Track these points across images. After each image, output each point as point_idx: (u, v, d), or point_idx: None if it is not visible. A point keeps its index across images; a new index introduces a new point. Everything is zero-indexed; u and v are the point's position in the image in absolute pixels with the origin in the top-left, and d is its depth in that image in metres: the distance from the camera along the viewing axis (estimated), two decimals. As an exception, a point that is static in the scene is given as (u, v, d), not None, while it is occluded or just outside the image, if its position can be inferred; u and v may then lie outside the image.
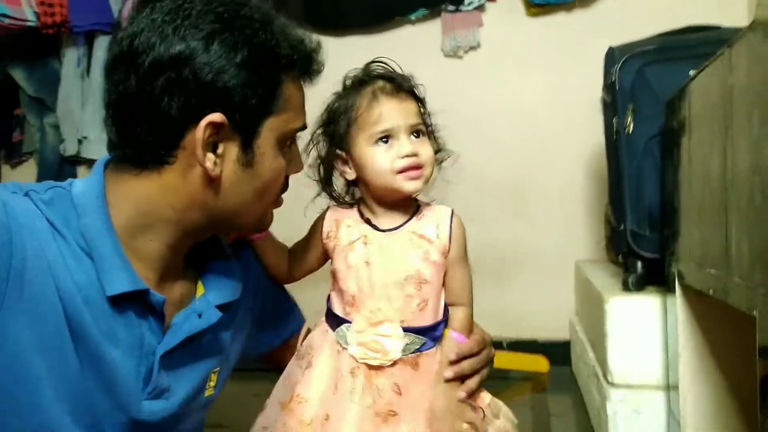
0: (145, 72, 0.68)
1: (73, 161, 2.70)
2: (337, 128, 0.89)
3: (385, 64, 0.92)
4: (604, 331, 1.38)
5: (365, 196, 0.90)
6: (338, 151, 0.89)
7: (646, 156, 1.36)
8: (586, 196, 2.30)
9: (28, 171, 2.84)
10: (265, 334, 0.99)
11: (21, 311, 0.64)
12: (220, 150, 0.70)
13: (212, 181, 0.72)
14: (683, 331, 1.17)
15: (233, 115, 0.70)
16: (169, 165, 0.71)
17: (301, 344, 0.93)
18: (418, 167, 0.85)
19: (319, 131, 0.92)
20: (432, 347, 0.86)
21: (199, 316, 0.78)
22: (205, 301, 0.80)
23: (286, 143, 0.77)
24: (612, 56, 1.47)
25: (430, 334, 0.86)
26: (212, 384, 0.85)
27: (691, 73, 1.07)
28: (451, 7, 2.36)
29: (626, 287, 1.38)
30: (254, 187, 0.75)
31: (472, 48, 2.39)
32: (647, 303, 1.34)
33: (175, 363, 0.76)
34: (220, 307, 0.80)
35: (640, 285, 1.38)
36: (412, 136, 0.85)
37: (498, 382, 2.08)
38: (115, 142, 0.73)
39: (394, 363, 0.84)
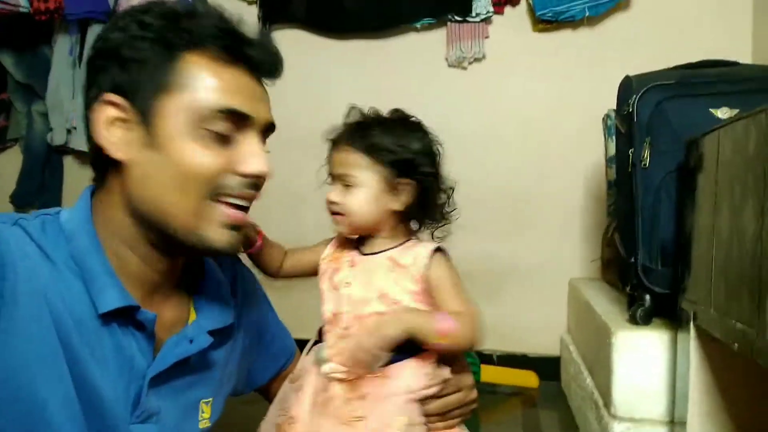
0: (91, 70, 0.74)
1: (60, 151, 2.63)
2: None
3: (385, 115, 0.94)
4: (609, 363, 1.38)
5: None
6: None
7: (661, 191, 1.36)
8: (583, 213, 2.31)
9: (12, 158, 2.76)
10: (259, 364, 1.00)
11: (16, 333, 0.65)
12: (124, 133, 0.71)
13: (126, 168, 0.71)
14: (695, 372, 1.18)
15: (129, 95, 0.71)
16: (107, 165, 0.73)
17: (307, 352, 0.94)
18: (338, 213, 0.89)
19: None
20: (403, 359, 0.84)
21: (191, 341, 0.78)
22: (198, 327, 0.80)
23: (208, 128, 0.71)
24: (629, 86, 1.46)
25: (405, 348, 0.83)
26: (206, 416, 0.84)
27: (721, 116, 1.06)
28: (457, 18, 2.34)
29: (634, 320, 1.38)
30: (170, 175, 0.71)
31: (477, 59, 2.38)
32: (655, 338, 1.35)
33: (164, 387, 0.77)
34: (212, 333, 0.81)
35: (648, 319, 1.38)
36: (340, 185, 0.90)
37: (487, 396, 2.09)
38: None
39: (363, 377, 0.83)
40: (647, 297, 1.38)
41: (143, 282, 0.76)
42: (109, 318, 0.71)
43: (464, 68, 2.40)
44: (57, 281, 0.69)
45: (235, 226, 0.75)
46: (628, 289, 1.45)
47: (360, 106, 0.97)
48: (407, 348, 0.83)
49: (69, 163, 2.69)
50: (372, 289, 0.87)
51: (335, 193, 0.89)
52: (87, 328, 0.70)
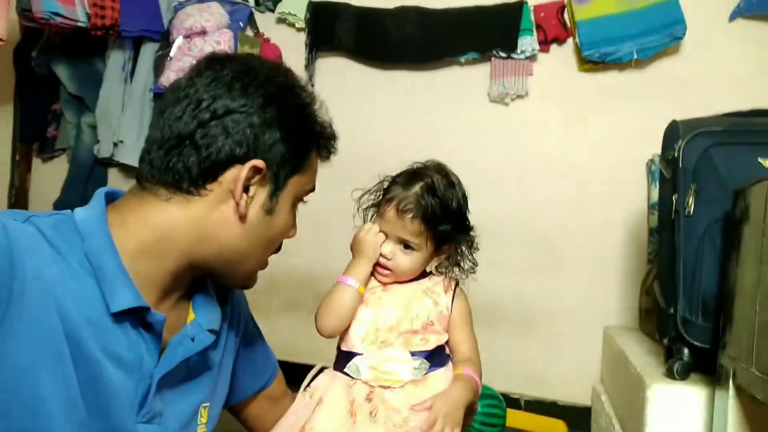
0: (206, 114, 0.77)
1: (105, 163, 2.69)
2: (375, 197, 1.05)
3: (433, 182, 1.00)
4: (643, 417, 1.32)
5: None
6: (372, 213, 1.05)
7: (705, 240, 1.30)
8: (622, 260, 2.24)
9: (59, 167, 2.84)
10: (245, 377, 1.01)
11: (22, 332, 0.65)
12: (251, 192, 0.79)
13: (237, 219, 0.79)
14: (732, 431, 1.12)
15: (271, 165, 0.79)
16: (201, 197, 0.77)
17: (308, 384, 1.00)
18: (387, 268, 1.00)
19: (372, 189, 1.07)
20: (439, 368, 0.98)
21: (192, 339, 0.81)
22: (197, 325, 0.83)
23: (297, 203, 0.86)
24: (675, 131, 1.42)
25: (436, 358, 0.98)
26: (203, 420, 0.87)
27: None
28: (502, 54, 2.33)
29: (671, 374, 1.32)
30: (266, 235, 0.82)
31: (520, 96, 2.36)
32: (692, 394, 1.28)
33: (168, 388, 0.79)
34: (210, 332, 0.85)
35: (685, 373, 1.32)
36: (400, 245, 0.99)
37: (512, 442, 2.02)
38: (158, 165, 0.78)
39: (405, 385, 0.94)
40: (685, 350, 1.32)
41: (160, 288, 0.79)
42: (121, 317, 0.73)
43: (506, 104, 2.38)
44: (69, 279, 0.70)
45: None
46: (665, 341, 1.39)
47: (413, 161, 1.05)
48: (437, 360, 0.98)
49: (113, 175, 2.75)
50: (409, 311, 0.98)
51: (391, 251, 0.99)
52: (99, 326, 0.71)
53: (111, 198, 0.81)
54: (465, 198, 1.03)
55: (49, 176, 2.85)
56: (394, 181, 1.03)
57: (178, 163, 0.76)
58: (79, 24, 2.38)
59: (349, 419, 0.92)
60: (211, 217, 0.78)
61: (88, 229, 0.74)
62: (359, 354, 0.97)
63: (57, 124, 2.81)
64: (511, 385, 2.23)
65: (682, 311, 1.31)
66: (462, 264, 1.04)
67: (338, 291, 0.98)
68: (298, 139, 0.82)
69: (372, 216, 1.06)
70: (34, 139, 2.86)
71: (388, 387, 0.94)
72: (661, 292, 1.43)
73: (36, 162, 2.91)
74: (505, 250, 2.31)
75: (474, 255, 1.05)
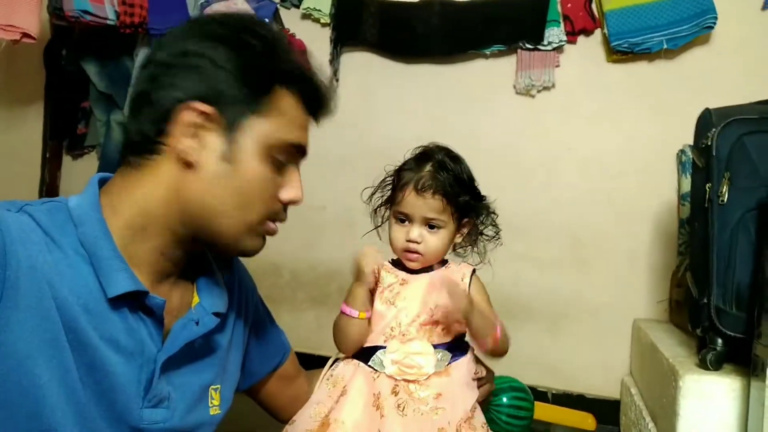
0: (155, 67, 0.76)
1: (133, 159, 2.73)
2: (388, 187, 1.07)
3: (441, 159, 1.03)
4: (676, 408, 1.30)
5: None
6: (387, 205, 1.08)
7: (739, 229, 1.28)
8: (651, 251, 2.21)
9: (88, 164, 2.88)
10: (257, 358, 1.01)
11: (17, 321, 0.65)
12: (202, 139, 0.75)
13: (194, 171, 0.75)
14: (770, 424, 1.10)
15: (220, 107, 0.75)
16: (163, 155, 0.75)
17: (327, 372, 1.03)
18: (416, 252, 1.01)
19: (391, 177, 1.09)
20: (461, 357, 1.00)
21: (197, 323, 0.81)
22: (201, 309, 0.83)
23: (275, 156, 0.79)
24: (708, 119, 1.40)
25: (457, 348, 1.01)
26: (215, 402, 0.86)
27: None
28: (528, 46, 2.31)
29: (704, 364, 1.30)
30: (234, 186, 0.76)
31: (546, 88, 2.34)
32: (726, 385, 1.26)
33: (174, 371, 0.79)
34: (215, 315, 0.84)
35: (719, 364, 1.30)
36: (426, 227, 1.00)
37: (541, 436, 2.02)
38: (130, 132, 0.77)
39: (429, 377, 0.96)
40: (719, 340, 1.30)
41: (154, 269, 0.78)
42: (119, 302, 0.73)
43: (532, 96, 2.36)
44: (64, 267, 0.70)
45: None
46: (698, 331, 1.37)
47: (424, 141, 1.08)
48: (458, 350, 1.01)
49: (140, 171, 2.79)
50: (429, 302, 0.99)
51: (419, 234, 1.00)
52: (96, 313, 0.71)
53: (104, 183, 0.80)
54: (470, 170, 1.07)
55: (79, 173, 2.90)
56: (401, 168, 1.05)
57: (139, 125, 0.76)
58: (108, 22, 2.42)
59: (375, 412, 0.93)
60: (172, 175, 0.75)
61: (82, 215, 0.74)
62: (382, 347, 0.98)
63: (86, 121, 2.85)
64: (538, 379, 2.21)
65: (716, 301, 1.29)
66: (485, 233, 1.07)
67: (342, 322, 1.00)
68: (252, 77, 0.76)
69: (385, 214, 1.08)
70: (64, 136, 2.90)
71: (413, 381, 0.96)
72: (694, 282, 1.41)
73: (66, 159, 2.96)
74: (533, 244, 2.29)
75: (495, 221, 1.08)
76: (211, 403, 0.85)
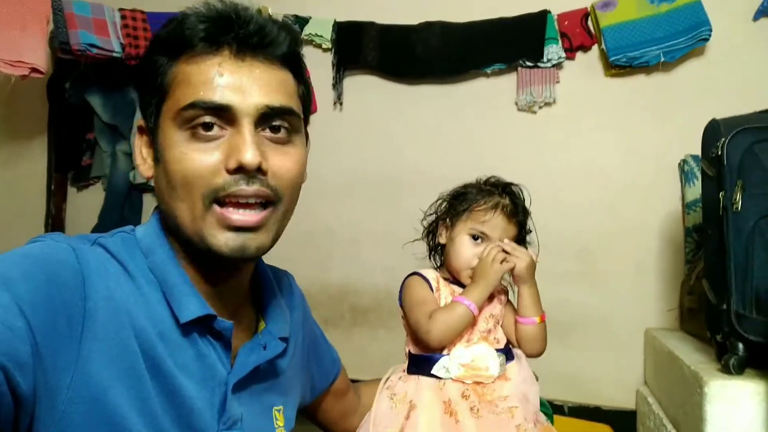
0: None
1: (140, 189, 2.74)
2: (457, 205, 1.12)
3: (519, 192, 1.15)
4: (702, 414, 1.32)
5: (447, 263, 1.13)
6: (447, 219, 1.13)
7: (755, 235, 1.31)
8: (658, 263, 2.24)
9: (93, 196, 2.89)
10: (316, 375, 1.02)
11: (98, 351, 0.66)
12: (145, 154, 0.77)
13: (154, 185, 0.77)
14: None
15: (146, 116, 0.76)
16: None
17: (384, 383, 1.06)
18: None
19: (447, 197, 1.16)
20: (512, 360, 1.06)
21: (264, 347, 0.82)
22: (269, 333, 0.84)
23: (189, 127, 0.71)
24: (716, 129, 1.44)
25: (508, 354, 1.07)
26: (280, 423, 0.87)
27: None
28: (528, 63, 2.36)
29: (727, 370, 1.32)
30: (169, 183, 0.72)
31: (547, 104, 2.38)
32: (752, 388, 1.28)
33: (244, 394, 0.79)
34: (281, 340, 0.85)
35: (741, 369, 1.32)
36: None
37: (558, 448, 2.01)
38: None
39: (494, 380, 1.00)
40: (740, 345, 1.33)
41: (213, 293, 0.79)
42: (190, 328, 0.74)
43: (534, 112, 2.40)
44: (139, 296, 0.72)
45: (238, 228, 0.72)
46: (718, 337, 1.39)
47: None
48: (508, 356, 1.06)
49: (149, 200, 2.80)
50: (485, 312, 1.07)
51: None
52: (171, 340, 0.72)
53: None
54: None
55: (84, 204, 2.90)
56: (481, 189, 1.12)
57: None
58: (114, 54, 2.45)
59: (449, 419, 0.95)
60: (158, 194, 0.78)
61: (150, 244, 0.76)
62: (444, 355, 1.01)
63: (91, 152, 2.86)
64: (553, 392, 2.22)
65: (735, 306, 1.32)
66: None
67: (460, 313, 1.02)
68: (143, 75, 0.76)
69: (442, 224, 1.14)
70: (69, 168, 2.91)
71: (480, 383, 0.99)
72: (711, 288, 1.44)
73: (71, 191, 2.97)
74: (542, 257, 2.31)
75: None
76: (276, 424, 0.86)
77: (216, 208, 0.71)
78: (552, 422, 1.94)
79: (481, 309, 1.05)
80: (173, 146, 0.71)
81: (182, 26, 0.72)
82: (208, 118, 0.70)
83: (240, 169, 0.70)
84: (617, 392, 2.22)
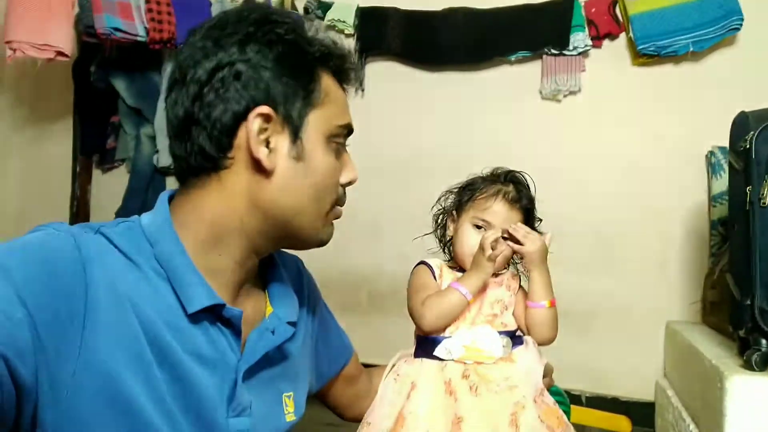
0: (194, 87, 0.74)
1: (164, 172, 2.77)
2: (463, 195, 1.11)
3: (524, 179, 1.12)
4: (722, 409, 1.31)
5: (454, 254, 1.12)
6: (453, 211, 1.13)
7: (782, 231, 1.30)
8: (682, 255, 2.22)
9: (118, 177, 2.92)
10: (325, 360, 1.02)
11: (104, 338, 0.66)
12: (272, 144, 0.75)
13: (268, 177, 0.76)
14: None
15: (278, 107, 0.75)
16: (228, 169, 0.76)
17: (391, 371, 1.05)
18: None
19: (455, 190, 1.14)
20: (521, 344, 1.04)
21: (272, 332, 0.82)
22: (276, 318, 0.84)
23: (334, 142, 0.81)
24: (745, 122, 1.41)
25: (516, 339, 1.05)
26: (290, 409, 0.87)
27: None
28: (554, 51, 2.33)
29: (749, 365, 1.31)
30: (309, 183, 0.78)
31: (572, 92, 2.36)
32: (773, 385, 1.27)
33: (253, 380, 0.79)
34: (289, 324, 0.85)
35: (764, 364, 1.31)
36: (501, 237, 1.04)
37: (575, 438, 2.02)
38: (180, 156, 0.78)
39: (496, 361, 0.99)
40: (763, 341, 1.31)
41: (228, 281, 0.79)
42: (199, 316, 0.74)
43: (558, 101, 2.38)
44: (144, 286, 0.71)
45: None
46: (741, 332, 1.38)
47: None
48: (516, 341, 1.04)
49: (171, 183, 2.83)
50: (489, 297, 1.06)
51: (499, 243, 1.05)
52: (179, 328, 0.72)
53: (172, 198, 0.81)
54: None
55: (109, 186, 2.94)
56: (483, 178, 1.10)
57: (192, 147, 0.75)
58: (139, 38, 2.46)
59: (449, 397, 0.95)
60: (244, 185, 0.76)
61: (156, 233, 0.75)
62: (447, 337, 1.01)
63: (116, 135, 2.89)
64: (571, 382, 2.22)
65: (760, 302, 1.30)
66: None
67: (452, 298, 1.01)
68: (294, 69, 0.76)
69: (449, 216, 1.13)
70: (94, 151, 2.95)
71: (482, 363, 0.98)
72: (735, 283, 1.43)
73: (96, 173, 3.01)
74: (563, 248, 2.27)
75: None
76: (286, 410, 0.86)
77: (337, 208, 0.85)
78: (569, 414, 1.95)
79: (483, 294, 1.04)
80: (325, 156, 0.79)
81: (336, 49, 0.82)
82: (343, 139, 0.84)
83: (349, 184, 0.86)
84: (636, 383, 2.22)
